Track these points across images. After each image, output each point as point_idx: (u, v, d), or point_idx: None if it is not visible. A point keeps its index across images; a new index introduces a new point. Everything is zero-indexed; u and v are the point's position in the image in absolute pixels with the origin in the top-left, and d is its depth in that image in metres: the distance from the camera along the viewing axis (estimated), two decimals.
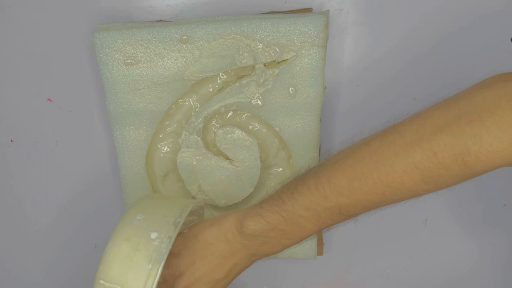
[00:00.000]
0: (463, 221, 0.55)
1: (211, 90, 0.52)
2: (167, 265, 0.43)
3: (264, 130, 0.53)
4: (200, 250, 0.43)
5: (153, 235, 0.40)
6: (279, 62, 0.50)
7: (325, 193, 0.38)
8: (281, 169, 0.55)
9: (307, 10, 0.51)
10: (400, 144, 0.36)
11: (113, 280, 0.39)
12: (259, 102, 0.52)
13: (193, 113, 0.53)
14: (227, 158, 0.54)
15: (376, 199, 0.37)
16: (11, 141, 0.59)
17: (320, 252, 0.59)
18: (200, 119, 0.53)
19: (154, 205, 0.45)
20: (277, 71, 0.51)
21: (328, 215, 0.39)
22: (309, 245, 0.57)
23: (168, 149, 0.54)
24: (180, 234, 0.45)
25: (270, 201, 0.41)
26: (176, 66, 0.51)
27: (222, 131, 0.53)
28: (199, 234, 0.43)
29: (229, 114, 0.53)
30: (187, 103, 0.53)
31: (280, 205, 0.40)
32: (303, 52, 0.49)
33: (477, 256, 0.61)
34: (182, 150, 0.54)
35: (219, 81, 0.52)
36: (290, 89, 0.51)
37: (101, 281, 0.39)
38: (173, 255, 0.44)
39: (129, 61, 0.50)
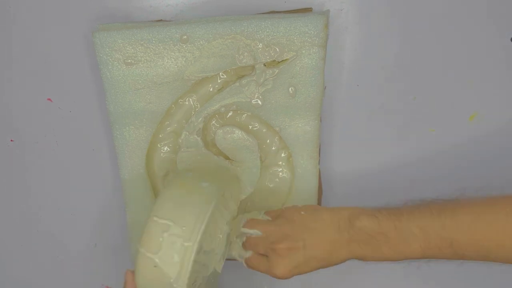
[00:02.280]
0: None
1: (211, 90, 0.52)
2: (262, 228, 0.46)
3: (264, 130, 0.53)
4: (313, 224, 0.44)
5: (204, 184, 0.44)
6: (279, 62, 0.50)
7: (445, 222, 0.39)
8: (281, 169, 0.55)
9: (307, 10, 0.51)
10: None
11: (166, 216, 0.41)
12: (259, 102, 0.52)
13: (193, 113, 0.53)
14: (227, 158, 0.54)
15: (493, 245, 0.38)
16: (11, 141, 0.59)
17: None
18: (200, 119, 0.53)
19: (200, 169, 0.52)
20: (277, 71, 0.51)
21: (438, 243, 0.39)
22: None
23: (168, 149, 0.54)
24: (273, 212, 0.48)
25: (389, 209, 0.43)
26: (176, 66, 0.51)
27: (222, 131, 0.53)
28: (316, 211, 0.46)
29: (229, 114, 0.53)
30: (187, 103, 0.53)
31: (397, 215, 0.41)
32: (303, 52, 0.49)
33: None
34: (182, 150, 0.54)
35: (219, 81, 0.52)
36: (290, 89, 0.51)
37: (155, 218, 0.42)
38: (269, 222, 0.46)
39: (129, 61, 0.51)
